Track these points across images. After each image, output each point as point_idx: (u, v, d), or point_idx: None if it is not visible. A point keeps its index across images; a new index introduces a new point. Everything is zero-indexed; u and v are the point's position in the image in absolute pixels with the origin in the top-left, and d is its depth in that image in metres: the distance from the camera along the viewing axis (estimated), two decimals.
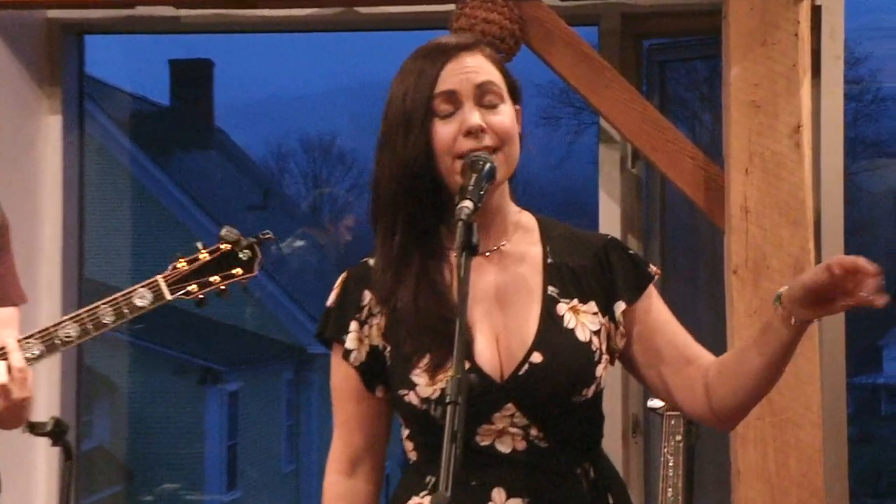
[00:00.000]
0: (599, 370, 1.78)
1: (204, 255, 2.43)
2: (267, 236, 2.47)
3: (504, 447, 1.75)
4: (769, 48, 2.94)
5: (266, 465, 12.43)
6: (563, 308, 1.79)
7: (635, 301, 1.82)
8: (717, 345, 3.27)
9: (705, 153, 3.20)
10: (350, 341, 1.83)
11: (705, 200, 3.13)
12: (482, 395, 1.72)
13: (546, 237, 1.84)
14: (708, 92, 4.02)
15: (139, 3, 3.56)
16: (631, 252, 1.87)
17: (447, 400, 1.58)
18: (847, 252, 3.23)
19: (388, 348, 1.81)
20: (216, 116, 14.39)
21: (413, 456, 1.83)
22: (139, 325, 11.30)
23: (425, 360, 1.75)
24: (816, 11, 3.14)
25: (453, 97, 1.76)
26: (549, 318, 1.78)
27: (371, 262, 1.83)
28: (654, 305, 1.84)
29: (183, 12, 3.63)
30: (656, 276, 1.86)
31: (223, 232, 2.46)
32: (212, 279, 2.42)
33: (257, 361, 12.52)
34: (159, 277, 2.41)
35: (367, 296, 1.82)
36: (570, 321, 1.78)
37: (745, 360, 1.75)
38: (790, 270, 2.91)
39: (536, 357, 1.75)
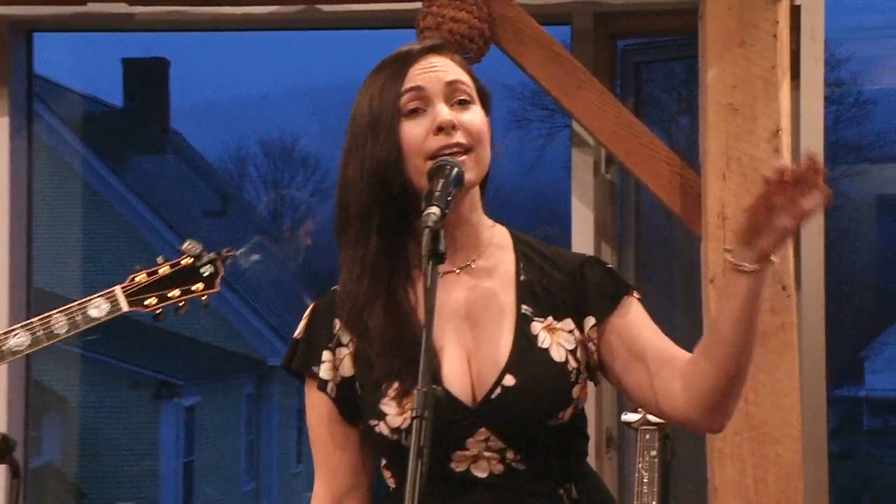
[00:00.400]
0: (576, 391, 1.77)
1: (164, 269, 2.42)
2: (230, 253, 2.47)
3: (480, 472, 1.75)
4: (747, 49, 2.96)
5: (224, 484, 12.36)
6: (537, 327, 1.78)
7: (608, 315, 1.79)
8: None
9: (682, 158, 3.21)
10: (324, 371, 1.81)
11: (682, 207, 3.14)
12: (454, 420, 1.72)
13: (520, 253, 1.83)
14: (685, 94, 4.04)
15: (91, 0, 3.54)
16: (609, 267, 1.86)
17: (413, 414, 1.58)
18: (827, 259, 3.26)
19: (358, 377, 1.80)
20: (172, 118, 14.33)
21: (391, 483, 1.83)
22: (92, 336, 11.23)
23: (394, 387, 1.74)
24: (796, 12, 3.17)
25: (422, 94, 1.75)
26: (523, 338, 1.76)
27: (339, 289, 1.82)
28: (632, 314, 1.80)
29: (137, 9, 3.61)
30: (638, 296, 1.83)
31: (185, 245, 2.46)
32: (171, 293, 2.42)
33: (216, 375, 12.47)
34: (117, 288, 2.41)
35: (338, 324, 1.81)
36: (544, 341, 1.77)
37: (715, 333, 1.71)
38: (768, 278, 2.92)
39: (509, 380, 1.74)
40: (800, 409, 2.93)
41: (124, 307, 2.41)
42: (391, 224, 1.77)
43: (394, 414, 1.74)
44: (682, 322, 3.69)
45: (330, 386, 1.81)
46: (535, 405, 1.73)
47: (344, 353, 1.80)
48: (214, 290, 2.46)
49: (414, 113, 1.75)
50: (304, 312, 1.87)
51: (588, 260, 1.85)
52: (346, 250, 1.78)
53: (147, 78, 13.62)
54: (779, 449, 2.90)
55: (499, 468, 1.74)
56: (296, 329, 1.85)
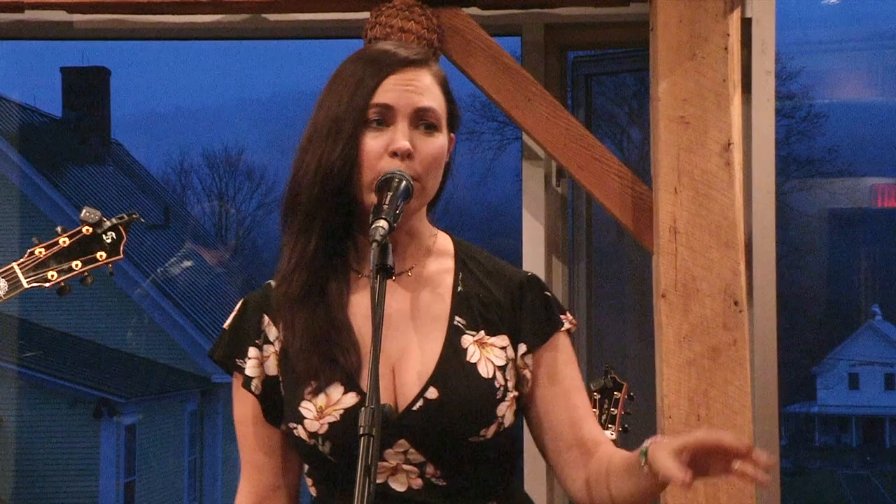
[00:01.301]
0: (502, 409, 1.75)
1: (64, 240, 2.38)
2: (134, 216, 2.43)
3: (399, 486, 1.74)
4: (698, 62, 2.98)
5: None
6: (468, 340, 1.77)
7: (537, 348, 1.79)
8: (645, 373, 3.30)
9: (634, 171, 3.23)
10: (250, 368, 1.81)
11: (633, 221, 3.15)
12: None
13: (461, 263, 1.83)
14: (636, 107, 4.07)
15: (28, 7, 3.50)
16: (548, 294, 1.83)
17: (360, 432, 1.57)
18: (779, 274, 3.29)
19: (282, 377, 1.79)
20: (113, 129, 14.21)
21: (313, 492, 1.81)
22: (28, 353, 11.08)
23: (311, 385, 1.73)
24: (747, 25, 3.20)
25: (389, 112, 1.76)
26: (451, 351, 1.76)
27: (273, 283, 1.82)
28: (559, 363, 1.80)
29: (76, 17, 3.58)
30: (569, 327, 1.82)
31: (83, 214, 2.42)
32: (73, 264, 2.37)
33: (158, 392, 12.36)
34: (14, 264, 2.36)
35: (266, 320, 1.81)
36: (473, 355, 1.76)
37: (618, 481, 1.74)
38: (721, 294, 2.95)
39: (432, 392, 1.73)
40: (752, 425, 2.95)
41: (24, 284, 2.36)
42: (334, 225, 1.77)
43: (311, 418, 1.73)
44: (632, 336, 3.71)
45: (255, 383, 1.80)
46: (457, 420, 1.72)
47: (270, 350, 1.80)
48: (118, 258, 2.41)
49: (377, 124, 1.76)
50: None
51: (528, 282, 1.83)
52: (289, 236, 1.79)
53: (87, 87, 13.51)
54: None
55: (418, 482, 1.74)
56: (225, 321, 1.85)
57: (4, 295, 2.34)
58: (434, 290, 1.80)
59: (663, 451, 1.62)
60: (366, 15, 3.24)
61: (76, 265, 2.36)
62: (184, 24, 3.64)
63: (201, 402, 12.80)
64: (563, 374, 1.81)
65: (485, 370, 1.76)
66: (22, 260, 2.34)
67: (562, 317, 1.82)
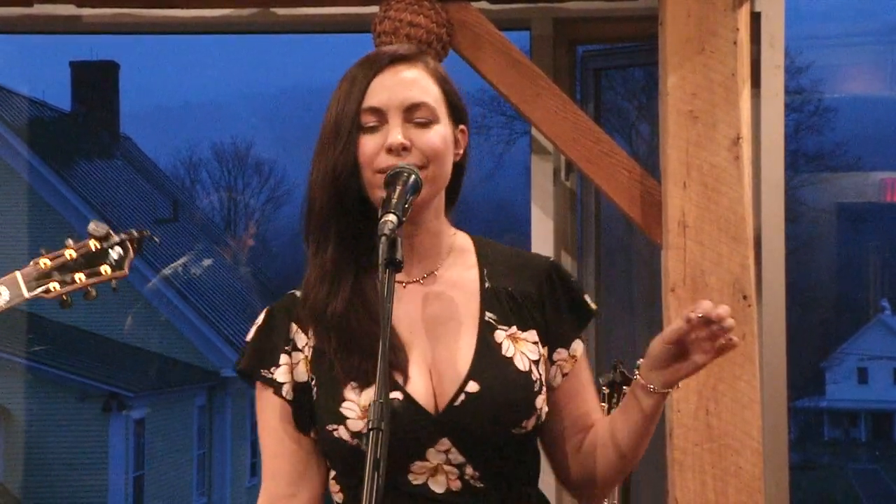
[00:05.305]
0: (539, 401, 1.78)
1: (70, 253, 2.37)
2: (144, 233, 2.41)
3: (438, 487, 1.74)
4: (707, 56, 2.98)
5: (175, 498, 12.27)
6: (501, 335, 1.79)
7: (566, 347, 1.83)
8: None
9: (642, 166, 3.23)
10: (280, 375, 1.80)
11: (642, 215, 3.15)
12: (415, 428, 1.71)
13: (483, 260, 1.84)
14: (645, 101, 4.07)
15: (38, 1, 3.51)
16: (573, 285, 1.87)
17: (370, 426, 1.57)
18: (788, 269, 3.28)
19: (315, 382, 1.79)
20: (122, 123, 14.24)
21: (338, 498, 1.81)
22: (38, 347, 11.11)
23: (352, 386, 1.73)
24: (756, 19, 3.19)
25: (379, 114, 1.77)
26: (486, 346, 1.77)
27: (297, 293, 1.82)
28: (579, 362, 1.85)
29: (85, 11, 3.58)
30: (594, 315, 1.88)
31: (91, 227, 2.40)
32: (77, 277, 2.35)
33: (166, 386, 12.38)
34: (18, 273, 2.35)
35: (294, 328, 1.80)
36: (508, 349, 1.78)
37: (613, 430, 1.80)
38: (729, 288, 2.95)
39: (472, 386, 1.74)
40: (760, 420, 2.95)
41: (25, 293, 2.34)
42: (349, 232, 1.77)
43: (355, 418, 1.73)
44: (641, 330, 3.71)
45: (286, 389, 1.80)
46: (500, 411, 1.74)
47: (299, 357, 1.80)
48: (123, 274, 2.39)
49: (370, 127, 1.77)
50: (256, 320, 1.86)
51: (553, 270, 1.85)
52: (311, 246, 1.80)
53: (96, 82, 13.53)
54: (739, 460, 2.92)
55: (457, 484, 1.74)
56: (248, 333, 1.85)
57: (5, 304, 2.33)
58: (461, 288, 1.81)
59: (654, 341, 1.73)
60: (374, 9, 3.24)
61: (79, 278, 2.34)
62: (192, 19, 3.65)
63: (210, 397, 12.83)
64: (580, 365, 1.85)
65: (521, 364, 1.78)
66: (25, 269, 2.33)
67: (588, 307, 1.86)
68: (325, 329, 1.77)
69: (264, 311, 1.84)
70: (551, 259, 1.89)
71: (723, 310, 1.67)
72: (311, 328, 1.79)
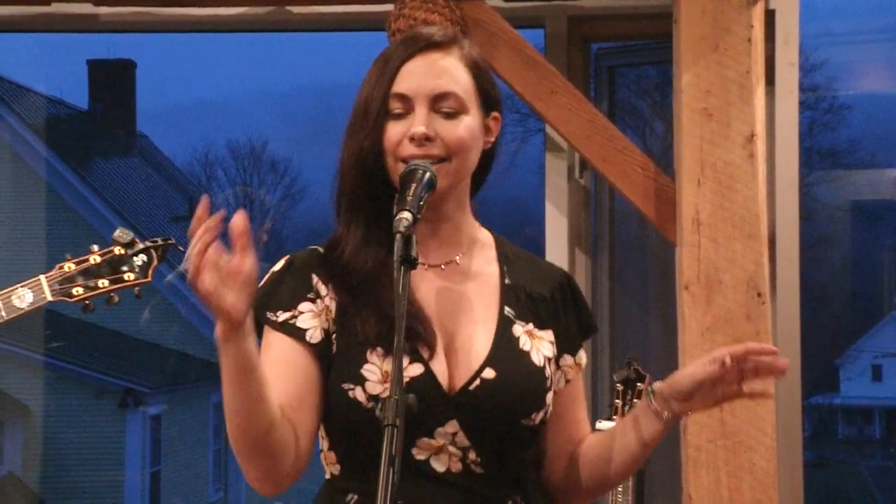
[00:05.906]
0: (549, 397, 1.81)
1: (94, 257, 2.39)
2: (169, 242, 2.43)
3: (439, 466, 1.75)
4: (721, 54, 2.97)
5: (191, 493, 12.30)
6: (519, 330, 1.81)
7: (573, 355, 1.87)
8: (667, 364, 3.29)
9: (656, 163, 3.23)
10: (304, 321, 1.77)
11: (656, 213, 3.15)
12: (429, 405, 1.71)
13: (503, 258, 1.86)
14: (659, 99, 4.06)
15: (55, 0, 3.52)
16: (583, 298, 1.92)
17: (385, 423, 1.58)
18: (802, 266, 3.28)
19: (336, 337, 1.77)
20: (138, 121, 14.26)
21: (334, 470, 1.79)
22: (56, 343, 11.15)
23: (378, 352, 1.73)
24: (770, 16, 3.19)
25: (406, 101, 1.78)
26: (504, 337, 1.79)
27: (321, 249, 1.82)
28: (579, 373, 1.89)
29: (102, 10, 3.59)
30: (596, 332, 1.93)
31: (116, 233, 2.43)
32: (100, 283, 2.37)
33: (183, 383, 12.41)
34: (42, 277, 2.37)
35: (315, 278, 1.80)
36: (525, 343, 1.80)
37: (606, 452, 1.83)
38: (744, 286, 2.94)
39: (489, 373, 1.76)
40: (774, 417, 2.94)
41: (49, 297, 2.37)
42: (377, 211, 1.78)
43: (375, 381, 1.73)
44: (655, 328, 3.71)
45: (310, 333, 1.77)
46: (513, 400, 1.76)
47: (321, 306, 1.78)
48: (146, 281, 2.41)
49: (397, 113, 1.78)
50: None
51: (568, 283, 1.89)
52: (342, 224, 1.82)
53: (113, 80, 13.56)
54: (753, 457, 2.92)
55: (457, 466, 1.75)
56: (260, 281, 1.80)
57: (28, 306, 2.35)
58: (482, 281, 1.83)
59: (679, 375, 1.74)
60: (389, 7, 3.24)
61: (103, 283, 2.37)
62: (208, 17, 3.66)
63: None
64: (580, 376, 1.90)
65: (537, 358, 1.80)
66: (50, 273, 2.35)
67: (593, 323, 1.91)
68: (352, 292, 1.77)
69: (284, 259, 1.84)
70: (566, 272, 1.93)
71: (754, 346, 1.70)
72: (333, 285, 1.78)
